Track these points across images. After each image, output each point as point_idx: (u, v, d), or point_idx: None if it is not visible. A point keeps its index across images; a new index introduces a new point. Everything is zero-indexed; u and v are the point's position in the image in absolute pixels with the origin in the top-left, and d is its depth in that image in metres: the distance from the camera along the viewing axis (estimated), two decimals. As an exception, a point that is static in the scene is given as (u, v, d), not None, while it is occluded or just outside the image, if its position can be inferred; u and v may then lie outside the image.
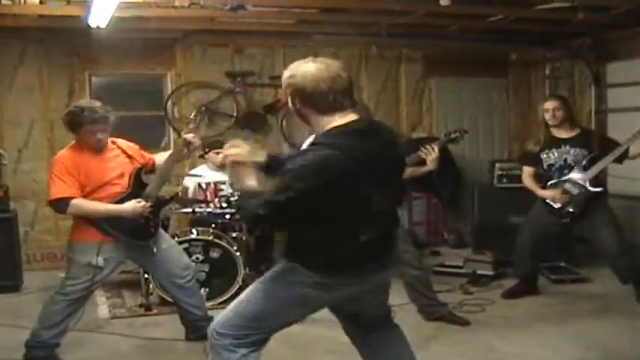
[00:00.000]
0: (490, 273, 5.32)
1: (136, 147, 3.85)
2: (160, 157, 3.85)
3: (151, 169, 3.83)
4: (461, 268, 5.50)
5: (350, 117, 2.31)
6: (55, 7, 5.09)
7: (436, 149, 4.11)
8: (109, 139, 3.68)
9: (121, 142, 3.76)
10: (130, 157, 3.70)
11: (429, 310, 4.28)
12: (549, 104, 4.58)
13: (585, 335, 3.98)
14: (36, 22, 5.49)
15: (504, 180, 5.98)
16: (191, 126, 3.90)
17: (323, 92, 2.24)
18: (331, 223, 2.28)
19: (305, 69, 2.27)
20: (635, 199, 6.03)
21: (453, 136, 4.29)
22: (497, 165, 6.12)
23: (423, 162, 4.14)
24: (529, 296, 4.83)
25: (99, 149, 3.58)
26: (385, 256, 2.45)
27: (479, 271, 5.34)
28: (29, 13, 5.28)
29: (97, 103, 3.56)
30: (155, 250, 3.69)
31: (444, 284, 5.04)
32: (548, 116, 4.54)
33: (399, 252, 2.60)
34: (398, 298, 4.55)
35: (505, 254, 5.21)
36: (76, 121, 3.50)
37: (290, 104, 2.37)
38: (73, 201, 3.42)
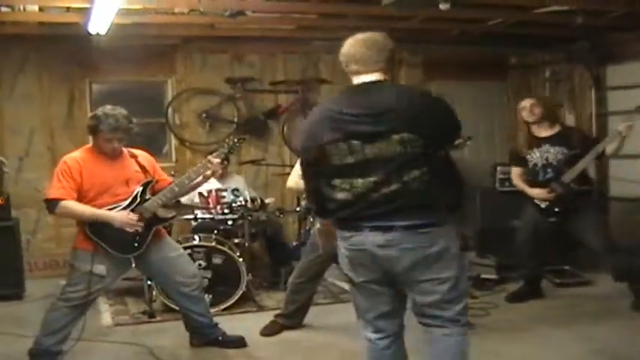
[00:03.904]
0: (494, 277, 5.31)
1: (154, 162, 3.84)
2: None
3: (162, 189, 3.69)
4: (464, 272, 5.48)
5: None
6: (54, 14, 5.09)
7: None
8: (127, 150, 3.68)
9: (139, 152, 3.76)
10: (142, 168, 3.67)
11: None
12: (525, 102, 4.63)
13: (590, 338, 3.97)
14: (36, 30, 5.49)
15: (506, 184, 5.97)
16: (220, 152, 3.72)
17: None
18: None
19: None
20: (636, 202, 6.03)
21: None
22: (499, 169, 6.12)
23: None
24: (533, 299, 4.83)
25: (112, 156, 3.59)
26: None
27: (483, 275, 5.34)
28: (29, 20, 5.29)
29: (123, 112, 3.55)
30: (134, 264, 3.65)
31: (448, 288, 5.02)
32: (525, 114, 4.58)
33: None
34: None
35: (509, 258, 5.20)
36: (96, 126, 3.50)
37: None
38: (62, 202, 3.41)
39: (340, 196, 2.43)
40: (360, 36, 2.54)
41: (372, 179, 2.37)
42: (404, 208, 2.36)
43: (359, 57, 2.49)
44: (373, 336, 2.62)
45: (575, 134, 4.68)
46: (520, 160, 4.72)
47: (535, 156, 4.59)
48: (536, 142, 4.58)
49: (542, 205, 4.57)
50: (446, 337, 2.52)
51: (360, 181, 2.39)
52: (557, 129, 4.61)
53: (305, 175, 2.63)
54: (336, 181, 2.43)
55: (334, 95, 2.64)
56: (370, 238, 2.40)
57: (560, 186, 4.48)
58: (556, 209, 4.52)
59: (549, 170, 4.53)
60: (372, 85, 2.47)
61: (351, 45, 2.53)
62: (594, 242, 4.52)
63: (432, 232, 2.39)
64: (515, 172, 4.79)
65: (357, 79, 2.51)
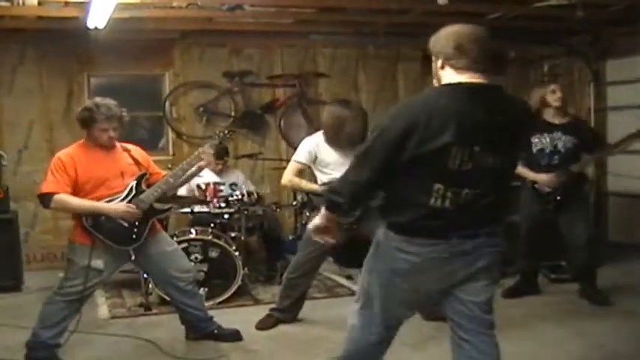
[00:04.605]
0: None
1: (147, 156, 3.85)
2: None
3: (156, 182, 3.71)
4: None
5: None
6: (53, 8, 5.10)
7: None
8: (120, 144, 3.69)
9: (131, 147, 3.77)
10: (135, 161, 3.69)
11: (428, 309, 4.27)
12: (555, 86, 4.63)
13: (586, 334, 3.98)
14: (34, 24, 5.50)
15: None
16: (208, 146, 3.74)
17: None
18: None
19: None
20: (636, 198, 6.04)
21: None
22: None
23: None
24: (529, 295, 4.83)
25: (107, 147, 3.59)
26: None
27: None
28: (28, 14, 5.29)
29: (113, 101, 3.58)
30: (133, 257, 3.65)
31: (444, 283, 5.03)
32: (555, 97, 4.56)
33: None
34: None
35: (505, 253, 5.19)
36: (91, 117, 3.51)
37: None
38: (56, 196, 3.41)
39: (437, 203, 2.20)
40: (468, 29, 2.28)
41: (479, 190, 2.22)
42: (493, 216, 2.32)
43: (473, 54, 2.24)
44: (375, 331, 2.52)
45: (584, 127, 4.76)
46: None
47: (545, 141, 4.57)
48: (549, 127, 4.57)
49: (546, 190, 4.56)
50: (490, 345, 2.47)
51: (466, 190, 2.20)
52: (568, 118, 4.65)
53: (377, 163, 2.24)
54: (438, 187, 2.19)
55: (423, 92, 2.45)
56: (458, 247, 2.27)
57: (565, 174, 4.49)
58: (558, 197, 4.53)
59: (556, 157, 4.54)
60: (490, 89, 2.28)
61: (459, 38, 2.25)
62: (580, 234, 4.54)
63: (499, 234, 2.38)
64: None
65: (462, 77, 2.26)
